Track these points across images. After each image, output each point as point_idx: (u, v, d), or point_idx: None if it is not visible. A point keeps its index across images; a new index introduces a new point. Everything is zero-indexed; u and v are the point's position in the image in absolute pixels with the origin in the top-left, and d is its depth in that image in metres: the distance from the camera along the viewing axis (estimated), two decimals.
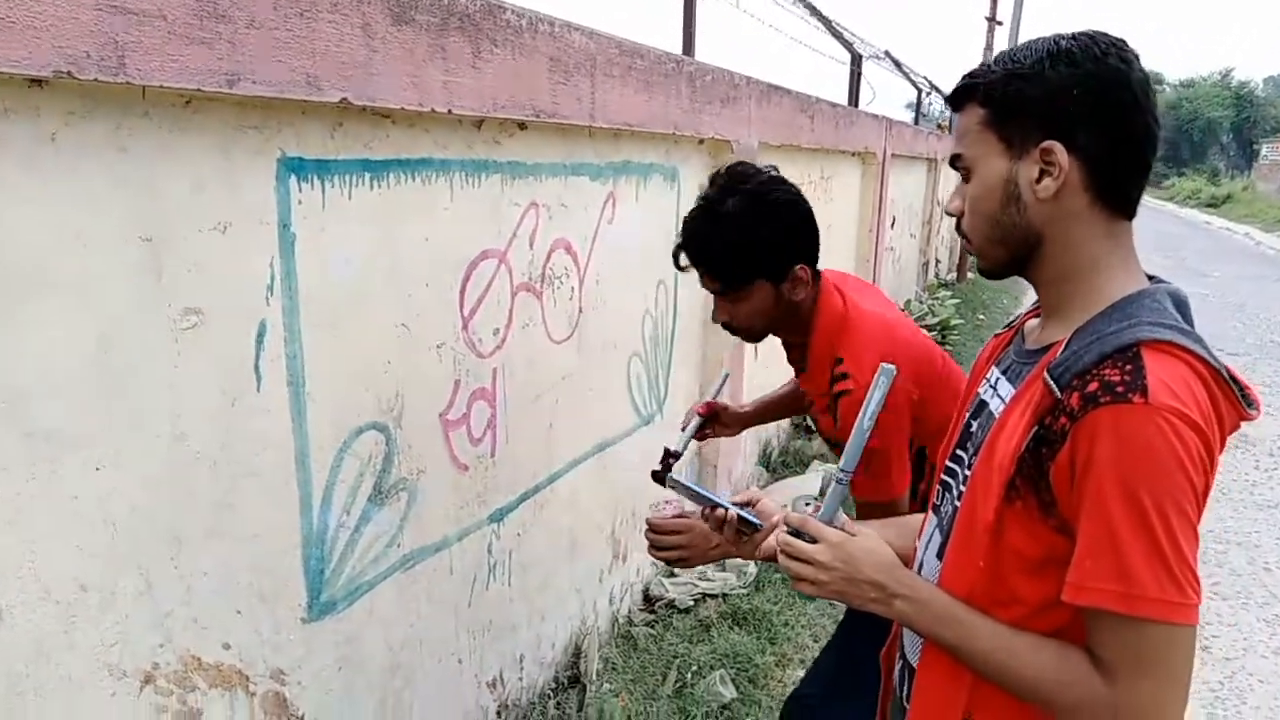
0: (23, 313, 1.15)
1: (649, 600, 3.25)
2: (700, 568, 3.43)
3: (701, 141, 3.24)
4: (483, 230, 2.06)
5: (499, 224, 2.12)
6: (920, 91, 10.40)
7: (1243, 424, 0.95)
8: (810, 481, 4.17)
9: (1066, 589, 0.91)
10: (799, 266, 1.64)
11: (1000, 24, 12.53)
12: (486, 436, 2.18)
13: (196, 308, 1.38)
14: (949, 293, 9.45)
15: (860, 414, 1.14)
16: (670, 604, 3.20)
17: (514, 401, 2.27)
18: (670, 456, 1.90)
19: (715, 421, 2.12)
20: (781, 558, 1.15)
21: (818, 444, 4.88)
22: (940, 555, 1.12)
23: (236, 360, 1.46)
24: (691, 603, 3.20)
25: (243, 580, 1.52)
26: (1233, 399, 0.92)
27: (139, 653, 1.36)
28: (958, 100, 1.06)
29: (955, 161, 1.08)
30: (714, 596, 3.25)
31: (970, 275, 12.15)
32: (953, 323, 7.60)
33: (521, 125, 2.14)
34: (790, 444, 4.89)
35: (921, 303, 8.34)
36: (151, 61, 1.18)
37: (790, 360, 1.87)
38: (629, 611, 3.14)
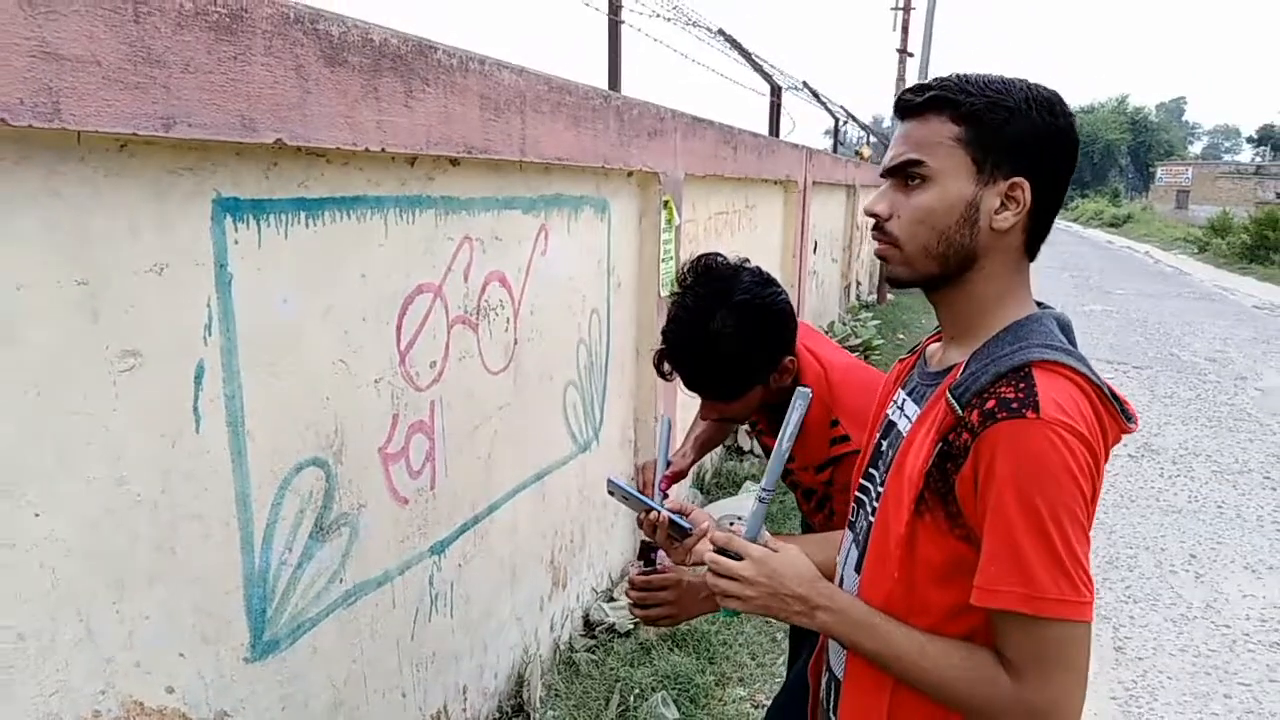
0: None
1: (589, 625, 3.27)
2: None
3: (630, 174, 3.33)
4: (417, 265, 2.09)
5: (433, 258, 2.15)
6: (837, 120, 10.77)
7: (1129, 436, 1.05)
8: (743, 501, 4.25)
9: (974, 593, 0.98)
10: (787, 359, 1.62)
11: (911, 55, 13.08)
12: (425, 469, 2.19)
13: (134, 349, 1.38)
14: (870, 314, 9.74)
15: (779, 436, 1.21)
16: (610, 628, 3.22)
17: (452, 433, 2.29)
18: (650, 550, 1.65)
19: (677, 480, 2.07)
20: (709, 576, 1.20)
21: (749, 465, 4.98)
22: (858, 569, 1.18)
23: (175, 401, 1.46)
24: (631, 626, 3.23)
25: (185, 622, 1.51)
26: (1114, 413, 1.01)
27: (80, 701, 1.33)
28: (923, 108, 1.06)
29: (910, 166, 1.06)
30: None
31: (890, 297, 12.54)
32: (874, 343, 7.84)
33: (454, 161, 2.18)
34: (723, 465, 4.98)
35: (845, 324, 8.58)
36: (86, 107, 1.19)
37: (757, 430, 1.86)
38: (570, 637, 3.15)
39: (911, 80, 13.03)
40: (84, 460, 1.32)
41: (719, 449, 5.10)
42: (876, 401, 1.30)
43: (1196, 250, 25.34)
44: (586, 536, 3.26)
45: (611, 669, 2.94)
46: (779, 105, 7.25)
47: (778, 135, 7.41)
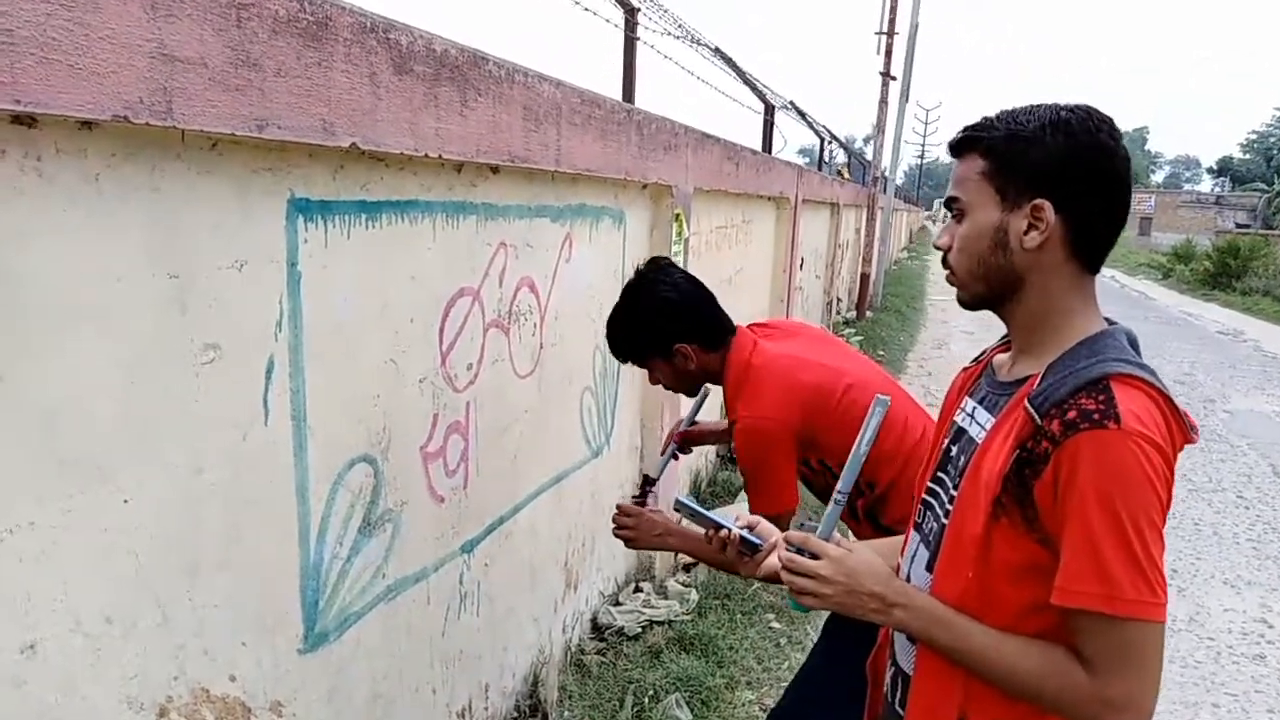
0: (61, 344, 1.18)
1: (597, 628, 3.32)
2: (644, 595, 3.53)
3: (645, 186, 3.40)
4: (460, 268, 2.14)
5: (473, 262, 2.20)
6: (823, 140, 10.95)
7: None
8: (741, 508, 4.31)
9: (1055, 593, 1.05)
10: (678, 346, 1.96)
11: (894, 79, 13.34)
12: (460, 468, 2.24)
13: (215, 342, 1.42)
14: (852, 330, 9.89)
15: (856, 441, 1.28)
16: (619, 631, 3.27)
17: (484, 434, 2.33)
18: (648, 484, 2.03)
19: (688, 443, 2.33)
20: (785, 573, 1.26)
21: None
22: (930, 568, 1.25)
23: (248, 394, 1.50)
24: (639, 629, 3.28)
25: (249, 611, 1.54)
26: (1180, 424, 1.09)
27: (155, 685, 1.36)
28: (959, 149, 1.20)
29: (951, 203, 1.21)
30: (660, 623, 3.34)
31: (870, 313, 12.73)
32: None
33: (494, 169, 2.23)
34: (718, 474, 5.05)
35: None
36: (194, 106, 1.24)
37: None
38: (580, 640, 3.20)
39: (894, 102, 13.33)
40: (167, 448, 1.35)
41: (712, 455, 5.17)
42: (942, 407, 1.38)
43: (1161, 276, 25.96)
44: (596, 540, 3.31)
45: (623, 671, 2.99)
46: (772, 123, 7.38)
47: (770, 152, 7.54)
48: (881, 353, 9.78)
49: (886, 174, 13.99)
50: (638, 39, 3.58)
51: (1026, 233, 1.13)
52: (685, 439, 2.30)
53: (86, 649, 1.25)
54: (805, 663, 2.10)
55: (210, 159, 1.38)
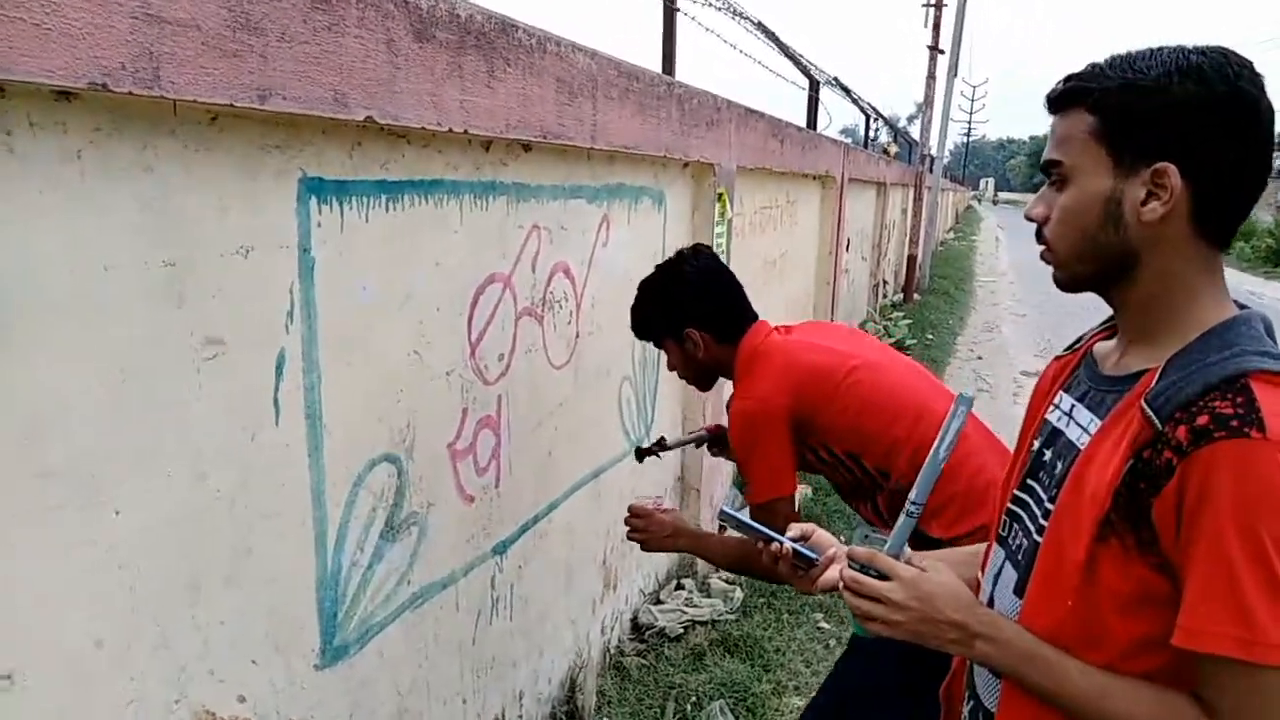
0: (41, 340, 1.05)
1: (638, 628, 3.19)
2: (686, 593, 3.39)
3: (686, 165, 3.23)
4: (489, 253, 2.00)
5: (504, 247, 2.06)
6: (868, 117, 10.62)
7: None
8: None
9: (1179, 633, 0.88)
10: (688, 329, 1.90)
11: (942, 52, 12.91)
12: (491, 466, 2.11)
13: (217, 336, 1.29)
14: (901, 314, 9.62)
15: (935, 444, 1.11)
16: (660, 632, 3.13)
17: (517, 429, 2.20)
18: (660, 444, 2.20)
19: (719, 443, 2.25)
20: (848, 595, 1.11)
21: None
22: (1019, 592, 1.08)
23: (256, 392, 1.38)
24: (681, 630, 3.14)
25: (259, 628, 1.43)
26: None
27: (154, 711, 1.25)
28: (1061, 102, 1.01)
29: (1050, 167, 1.02)
30: (703, 623, 3.20)
31: (917, 296, 12.40)
32: (907, 343, 7.73)
33: (526, 147, 2.09)
34: None
35: (876, 324, 8.46)
36: (185, 74, 1.10)
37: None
38: (619, 641, 3.07)
39: (941, 77, 12.87)
40: (164, 454, 1.23)
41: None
42: (1030, 401, 1.20)
43: None
44: None
45: (664, 675, 2.85)
46: (816, 99, 7.14)
47: (814, 129, 7.29)
48: (930, 336, 9.50)
49: (934, 152, 13.59)
50: (678, 9, 3.40)
51: (1145, 203, 0.95)
52: (720, 432, 2.23)
53: (74, 676, 1.13)
54: (844, 655, 1.94)
55: (209, 135, 1.24)
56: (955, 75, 13.08)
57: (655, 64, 3.66)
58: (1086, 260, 1.01)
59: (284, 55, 1.24)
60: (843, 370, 1.80)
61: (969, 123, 72.19)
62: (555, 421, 2.41)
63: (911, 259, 12.56)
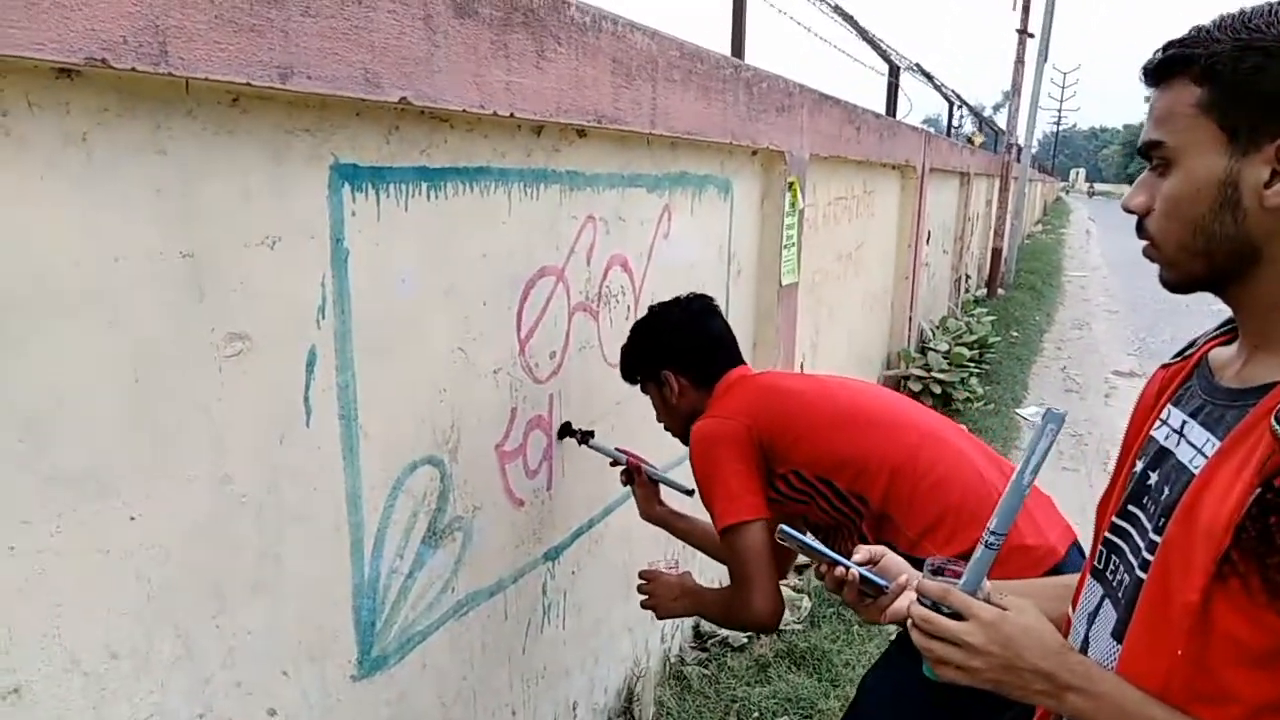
0: (45, 338, 0.99)
1: (699, 636, 3.07)
2: None
3: (754, 153, 3.08)
4: (541, 245, 1.90)
5: (556, 239, 1.96)
6: (951, 105, 10.23)
7: None
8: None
9: None
10: (665, 371, 1.85)
11: (1032, 36, 12.35)
12: (542, 468, 2.01)
13: (242, 332, 1.22)
14: (985, 309, 9.24)
15: (1019, 468, 0.97)
16: (723, 641, 3.01)
17: None
18: (586, 434, 2.07)
19: (636, 480, 2.07)
20: (918, 636, 0.97)
21: None
22: (1118, 635, 0.93)
23: (285, 391, 1.30)
24: (745, 639, 3.01)
25: (290, 638, 1.36)
26: None
27: None
28: (1160, 73, 0.87)
29: (1151, 150, 0.89)
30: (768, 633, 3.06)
31: (1001, 291, 11.93)
32: (990, 340, 7.40)
33: (581, 133, 1.98)
34: None
35: (958, 319, 8.13)
36: (196, 50, 1.02)
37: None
38: (680, 649, 2.95)
39: (1030, 62, 12.28)
40: (185, 457, 1.17)
41: None
42: (1133, 416, 1.04)
43: None
44: None
45: (727, 686, 2.73)
46: (896, 86, 6.87)
47: (894, 117, 7.03)
48: (1015, 334, 9.10)
49: (1021, 141, 13.03)
50: None
51: (1269, 185, 0.81)
52: (635, 467, 2.05)
53: (87, 689, 1.07)
54: (878, 663, 1.79)
55: (231, 116, 1.17)
56: (1045, 60, 12.50)
57: (724, 48, 3.52)
58: (1199, 256, 0.87)
59: (308, 30, 1.16)
60: (813, 390, 1.77)
61: (1059, 111, 69.43)
62: (611, 421, 2.30)
63: (996, 252, 12.07)
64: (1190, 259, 0.88)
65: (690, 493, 2.00)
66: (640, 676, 2.58)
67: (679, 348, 1.86)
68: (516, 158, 1.77)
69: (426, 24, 1.37)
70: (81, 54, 0.91)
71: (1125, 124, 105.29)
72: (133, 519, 1.10)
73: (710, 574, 2.89)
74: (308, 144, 1.29)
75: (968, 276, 10.87)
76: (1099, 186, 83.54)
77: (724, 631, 3.01)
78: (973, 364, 6.51)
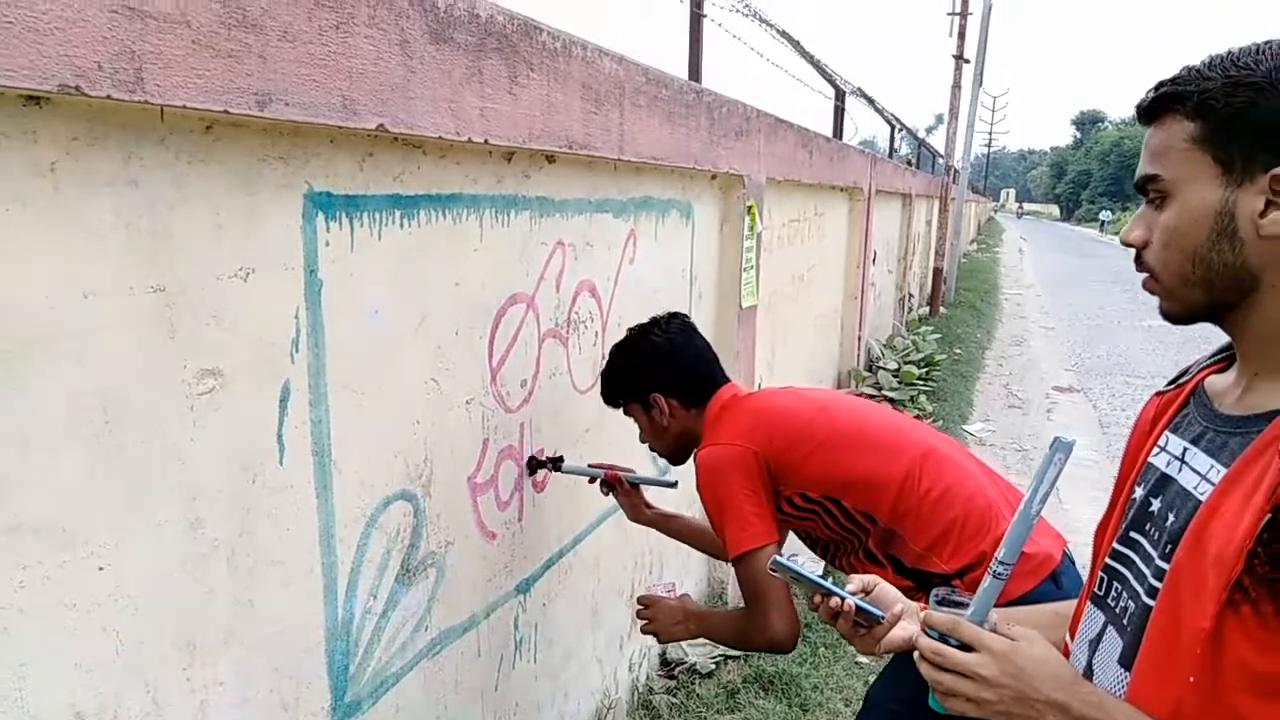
0: (10, 378, 0.93)
1: (666, 664, 3.03)
2: None
3: (714, 176, 3.09)
4: (512, 272, 1.87)
5: (527, 265, 1.93)
6: (893, 128, 10.46)
7: None
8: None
9: None
10: (653, 394, 1.84)
11: (968, 61, 12.73)
12: (514, 499, 1.97)
13: (214, 368, 1.17)
14: (929, 327, 9.43)
15: (1028, 497, 0.97)
16: (691, 668, 2.98)
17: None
18: (555, 462, 2.03)
19: (618, 489, 2.06)
20: (926, 668, 0.96)
21: None
22: (1125, 663, 0.94)
23: (258, 429, 1.25)
24: (713, 666, 2.99)
25: (262, 687, 1.29)
26: None
27: None
28: (1154, 111, 0.90)
29: (1147, 184, 0.91)
30: (735, 658, 3.04)
31: (943, 309, 12.19)
32: (936, 358, 7.54)
33: (550, 158, 1.96)
34: None
35: (904, 338, 8.28)
36: (173, 76, 0.98)
37: None
38: (648, 677, 2.91)
39: (966, 87, 12.67)
40: (155, 501, 1.11)
41: None
42: (1129, 443, 1.05)
43: None
44: (665, 565, 3.02)
45: (696, 714, 2.70)
46: (843, 109, 7.00)
47: (841, 139, 7.15)
48: (958, 351, 9.29)
49: (959, 164, 13.39)
50: (704, 15, 3.28)
51: (1264, 213, 0.83)
52: (615, 479, 2.04)
53: None
54: (883, 675, 1.79)
55: (204, 145, 1.12)
56: (980, 85, 12.90)
57: (679, 70, 3.54)
58: (1198, 285, 0.89)
59: (286, 56, 1.12)
60: (811, 410, 1.76)
61: (990, 133, 71.63)
62: (580, 449, 2.27)
63: (937, 272, 12.35)
64: (1190, 289, 0.90)
65: (674, 485, 2.07)
66: (610, 708, 2.54)
67: (667, 370, 1.85)
68: (488, 184, 1.75)
69: (403, 49, 1.34)
70: (54, 81, 0.86)
71: (1052, 146, 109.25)
72: (101, 569, 1.04)
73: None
74: (281, 172, 1.25)
75: (911, 295, 11.10)
76: (1028, 206, 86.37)
77: (691, 658, 2.98)
78: (921, 382, 6.62)
